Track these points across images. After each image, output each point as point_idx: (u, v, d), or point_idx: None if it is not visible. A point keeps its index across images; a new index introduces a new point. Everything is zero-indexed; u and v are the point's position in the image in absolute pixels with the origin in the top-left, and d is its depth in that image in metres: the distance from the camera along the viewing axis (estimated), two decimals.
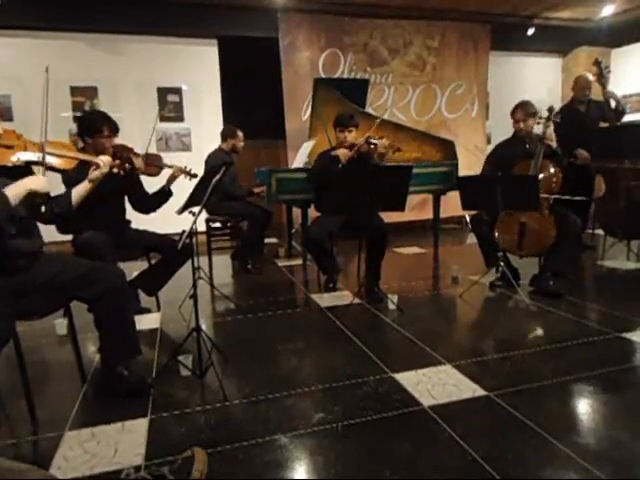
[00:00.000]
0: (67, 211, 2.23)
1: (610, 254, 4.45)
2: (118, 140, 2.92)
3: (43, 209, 1.83)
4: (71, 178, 2.44)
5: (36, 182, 1.81)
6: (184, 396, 2.13)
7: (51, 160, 2.16)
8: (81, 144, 2.92)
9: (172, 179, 3.12)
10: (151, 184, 3.15)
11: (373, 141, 3.54)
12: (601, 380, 2.16)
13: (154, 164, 3.03)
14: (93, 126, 2.78)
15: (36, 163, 2.03)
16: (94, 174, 2.38)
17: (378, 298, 3.37)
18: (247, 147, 4.71)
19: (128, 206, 3.15)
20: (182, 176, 3.15)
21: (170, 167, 3.10)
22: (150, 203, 3.15)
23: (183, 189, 2.74)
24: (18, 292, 1.91)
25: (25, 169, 2.04)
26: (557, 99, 6.97)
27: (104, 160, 2.44)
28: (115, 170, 2.57)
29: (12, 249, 1.88)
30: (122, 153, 2.89)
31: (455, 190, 3.91)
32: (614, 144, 4.13)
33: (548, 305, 3.19)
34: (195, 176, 3.17)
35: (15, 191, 1.73)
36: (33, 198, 1.78)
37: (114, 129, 2.84)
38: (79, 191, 2.31)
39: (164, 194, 3.13)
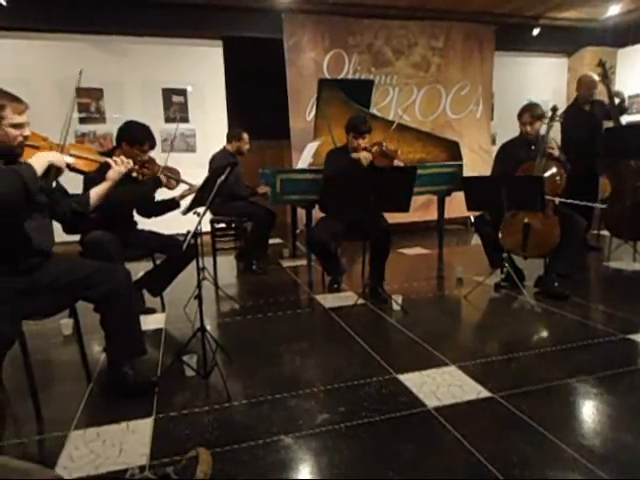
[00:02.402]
0: (86, 209, 2.26)
1: (616, 255, 4.43)
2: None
3: (54, 184, 1.95)
4: (92, 180, 2.48)
5: (54, 156, 1.90)
6: (188, 396, 2.13)
7: (74, 161, 2.21)
8: (111, 146, 2.97)
9: (186, 195, 3.12)
10: (159, 193, 3.16)
11: (388, 153, 3.52)
12: (606, 382, 2.15)
13: (173, 178, 3.04)
14: (137, 138, 2.87)
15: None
16: (112, 173, 2.40)
17: (382, 299, 3.37)
18: (252, 148, 4.71)
19: None
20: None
21: (188, 184, 3.09)
22: (154, 209, 3.17)
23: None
24: (25, 292, 1.92)
25: (47, 168, 2.08)
26: (562, 99, 6.95)
27: (124, 161, 2.46)
28: (134, 174, 2.63)
29: (30, 243, 1.92)
30: (147, 164, 2.92)
31: (460, 191, 3.90)
32: (620, 145, 4.11)
33: (553, 306, 3.17)
34: None
35: (39, 162, 1.83)
36: (51, 171, 1.88)
37: (153, 146, 2.94)
38: (98, 191, 2.34)
39: (172, 203, 3.14)
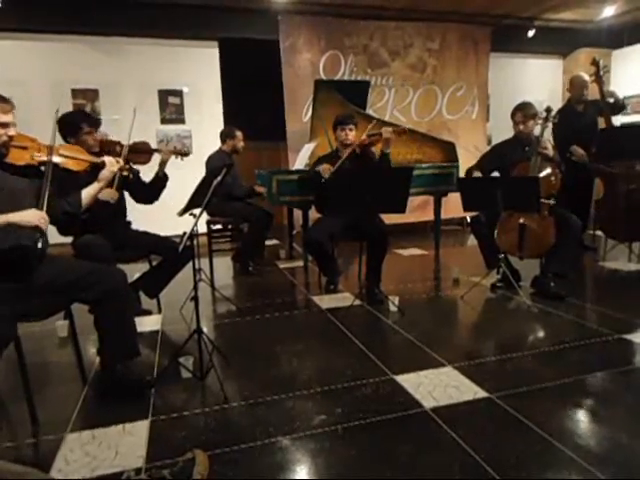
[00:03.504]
0: (77, 210, 2.25)
1: (611, 255, 4.45)
2: (120, 139, 2.93)
3: (39, 245, 1.86)
4: (75, 181, 2.45)
5: (24, 216, 1.84)
6: (185, 398, 2.13)
7: (64, 161, 2.20)
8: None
9: (164, 163, 3.08)
10: (146, 173, 3.12)
11: (374, 132, 3.55)
12: (602, 382, 2.16)
13: (142, 152, 2.97)
14: (72, 125, 2.78)
15: (47, 164, 2.06)
16: (103, 174, 2.39)
17: (379, 300, 3.37)
18: (248, 149, 4.71)
19: (129, 207, 3.15)
20: (173, 157, 3.09)
21: (159, 151, 3.06)
22: (150, 193, 3.13)
23: (186, 188, 2.74)
24: (20, 293, 1.91)
25: (37, 169, 2.07)
26: (558, 101, 6.97)
27: (112, 161, 2.44)
28: (125, 173, 2.60)
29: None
30: (109, 148, 2.87)
31: (456, 192, 3.90)
32: (613, 146, 4.12)
33: (549, 306, 3.18)
34: (187, 154, 3.14)
35: None
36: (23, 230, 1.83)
37: (93, 124, 2.84)
38: (89, 192, 2.33)
39: (160, 180, 3.10)
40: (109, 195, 2.79)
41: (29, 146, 2.07)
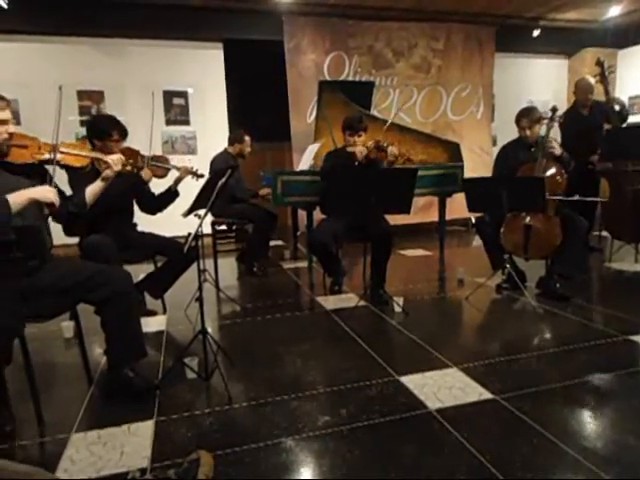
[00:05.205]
0: (82, 209, 2.25)
1: (618, 256, 4.42)
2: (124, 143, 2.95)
3: (50, 219, 1.92)
4: (80, 178, 2.46)
5: (40, 192, 1.85)
6: (190, 399, 2.13)
7: (63, 157, 2.20)
8: (89, 146, 2.94)
9: (179, 180, 3.15)
10: (157, 184, 3.16)
11: (382, 145, 3.53)
12: (609, 383, 2.14)
13: (161, 166, 3.05)
14: (103, 130, 2.81)
15: (50, 162, 2.06)
16: (106, 173, 2.40)
17: (383, 300, 3.36)
18: (252, 149, 4.72)
19: (135, 208, 3.16)
20: (189, 176, 3.18)
21: (177, 169, 3.12)
22: (157, 204, 3.17)
23: (190, 190, 2.76)
24: (26, 294, 1.92)
25: (39, 167, 2.08)
26: (563, 100, 6.95)
27: (115, 159, 2.44)
28: (128, 167, 2.61)
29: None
30: (131, 157, 2.91)
31: (460, 192, 3.89)
32: (619, 146, 4.10)
33: (555, 307, 3.17)
34: (202, 176, 3.21)
35: (17, 199, 1.77)
36: (39, 206, 1.86)
37: (123, 133, 2.87)
38: (93, 190, 2.33)
39: (170, 195, 3.14)
40: (147, 175, 2.95)
41: (29, 145, 2.06)
